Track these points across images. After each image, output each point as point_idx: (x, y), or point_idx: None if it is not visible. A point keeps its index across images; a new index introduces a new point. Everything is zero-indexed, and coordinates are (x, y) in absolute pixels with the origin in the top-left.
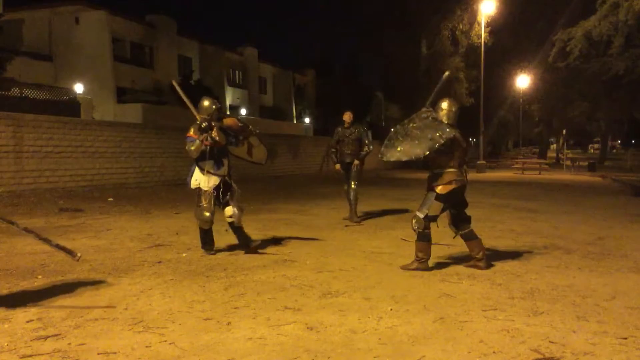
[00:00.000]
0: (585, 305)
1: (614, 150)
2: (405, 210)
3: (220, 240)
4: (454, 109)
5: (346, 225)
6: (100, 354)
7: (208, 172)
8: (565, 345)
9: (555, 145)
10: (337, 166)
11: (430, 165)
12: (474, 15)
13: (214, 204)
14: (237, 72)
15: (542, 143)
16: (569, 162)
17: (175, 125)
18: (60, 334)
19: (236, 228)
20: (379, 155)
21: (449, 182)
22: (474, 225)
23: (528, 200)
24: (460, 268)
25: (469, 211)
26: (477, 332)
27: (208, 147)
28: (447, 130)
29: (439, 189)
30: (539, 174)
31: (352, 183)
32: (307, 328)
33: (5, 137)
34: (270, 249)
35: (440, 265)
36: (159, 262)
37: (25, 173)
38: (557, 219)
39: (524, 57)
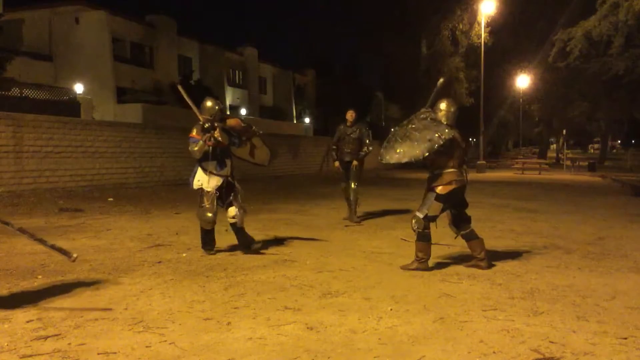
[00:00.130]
0: (585, 305)
1: (614, 150)
2: (406, 210)
3: (220, 240)
4: (452, 110)
5: (346, 225)
6: (100, 354)
7: (211, 172)
8: (565, 345)
9: (555, 145)
10: (337, 164)
11: (430, 166)
12: (474, 15)
13: (216, 205)
14: (237, 72)
15: (542, 143)
16: (569, 162)
17: (175, 125)
18: (60, 334)
19: (238, 229)
20: (378, 158)
21: (449, 183)
22: (474, 225)
23: (528, 200)
24: (460, 268)
25: (469, 211)
26: (477, 332)
27: (211, 147)
28: (446, 130)
29: (439, 189)
30: (539, 174)
31: (353, 184)
32: (307, 328)
33: (5, 137)
34: (270, 249)
35: (440, 265)
36: (159, 262)
37: (25, 173)
38: (557, 219)
39: (524, 57)
